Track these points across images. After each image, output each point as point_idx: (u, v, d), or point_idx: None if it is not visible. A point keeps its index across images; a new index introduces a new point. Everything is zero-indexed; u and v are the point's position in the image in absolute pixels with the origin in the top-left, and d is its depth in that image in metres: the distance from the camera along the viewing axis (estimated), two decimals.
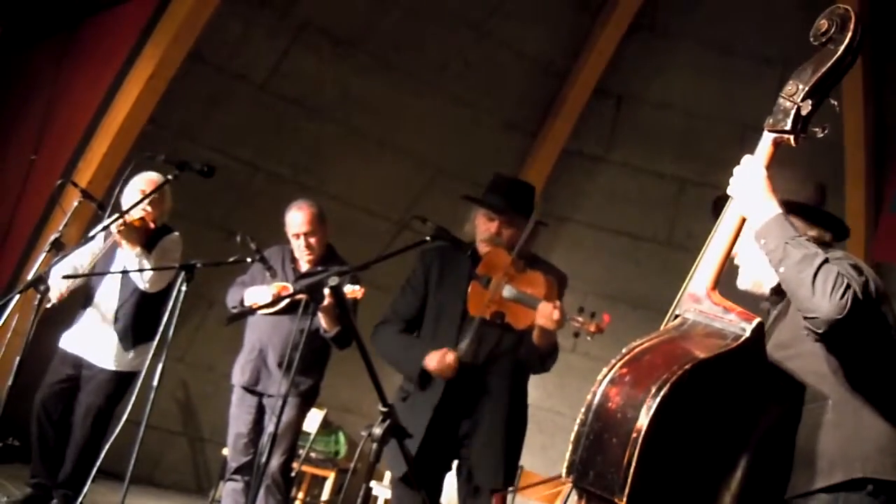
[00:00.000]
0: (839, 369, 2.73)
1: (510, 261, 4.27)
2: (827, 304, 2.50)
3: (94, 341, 5.68)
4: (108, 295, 5.72)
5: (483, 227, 4.40)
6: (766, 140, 2.71)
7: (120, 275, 5.59)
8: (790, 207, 2.75)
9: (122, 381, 5.65)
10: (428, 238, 3.91)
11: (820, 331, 2.55)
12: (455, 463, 4.39)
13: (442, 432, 4.27)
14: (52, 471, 5.68)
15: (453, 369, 4.21)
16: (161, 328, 4.93)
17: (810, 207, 2.93)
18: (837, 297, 2.50)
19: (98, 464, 4.88)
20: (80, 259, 5.62)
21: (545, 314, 4.10)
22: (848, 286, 2.51)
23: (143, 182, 5.57)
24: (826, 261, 2.56)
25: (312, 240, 5.57)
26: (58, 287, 5.40)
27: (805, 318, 2.58)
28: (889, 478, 2.72)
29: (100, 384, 5.62)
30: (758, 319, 2.55)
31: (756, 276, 3.00)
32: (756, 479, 2.59)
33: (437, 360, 4.24)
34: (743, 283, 3.02)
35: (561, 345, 4.39)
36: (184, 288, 4.88)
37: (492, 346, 4.33)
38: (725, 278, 2.72)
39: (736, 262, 3.01)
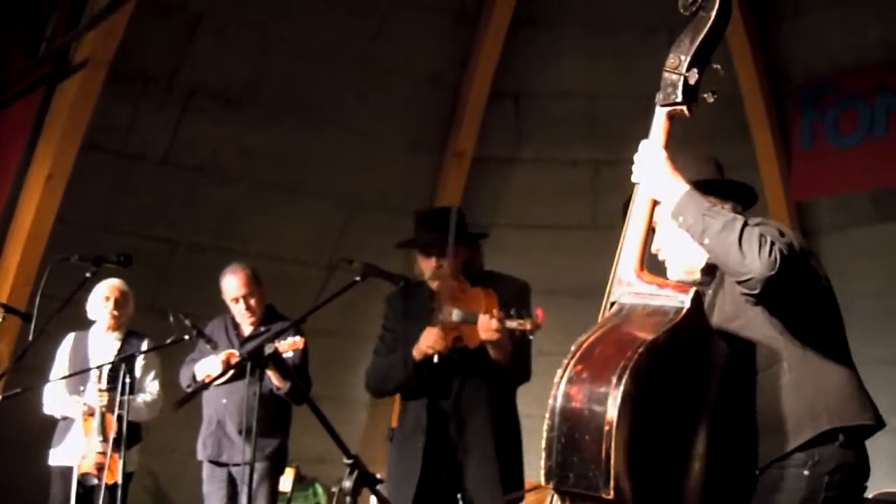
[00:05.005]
0: (786, 329, 2.76)
1: (455, 285, 4.29)
2: (758, 262, 2.53)
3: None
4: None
5: (424, 266, 4.42)
6: (661, 115, 2.73)
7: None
8: (697, 187, 2.75)
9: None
10: (358, 279, 3.90)
11: (756, 291, 2.58)
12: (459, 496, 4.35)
13: (438, 468, 4.27)
14: None
15: (442, 337, 4.21)
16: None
17: (717, 182, 2.96)
18: (766, 255, 2.53)
19: None
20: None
21: (484, 327, 4.12)
22: (773, 243, 2.56)
23: (107, 289, 5.83)
24: (746, 223, 2.60)
25: (252, 301, 5.56)
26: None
27: (739, 282, 2.60)
28: (857, 422, 2.75)
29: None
30: (694, 289, 2.57)
31: (685, 264, 3.00)
32: (720, 438, 2.60)
33: (423, 339, 4.24)
34: (674, 274, 3.02)
35: None
36: (128, 380, 4.88)
37: (464, 373, 4.33)
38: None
39: (660, 257, 3.03)
